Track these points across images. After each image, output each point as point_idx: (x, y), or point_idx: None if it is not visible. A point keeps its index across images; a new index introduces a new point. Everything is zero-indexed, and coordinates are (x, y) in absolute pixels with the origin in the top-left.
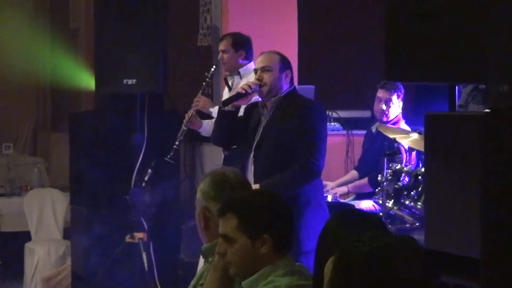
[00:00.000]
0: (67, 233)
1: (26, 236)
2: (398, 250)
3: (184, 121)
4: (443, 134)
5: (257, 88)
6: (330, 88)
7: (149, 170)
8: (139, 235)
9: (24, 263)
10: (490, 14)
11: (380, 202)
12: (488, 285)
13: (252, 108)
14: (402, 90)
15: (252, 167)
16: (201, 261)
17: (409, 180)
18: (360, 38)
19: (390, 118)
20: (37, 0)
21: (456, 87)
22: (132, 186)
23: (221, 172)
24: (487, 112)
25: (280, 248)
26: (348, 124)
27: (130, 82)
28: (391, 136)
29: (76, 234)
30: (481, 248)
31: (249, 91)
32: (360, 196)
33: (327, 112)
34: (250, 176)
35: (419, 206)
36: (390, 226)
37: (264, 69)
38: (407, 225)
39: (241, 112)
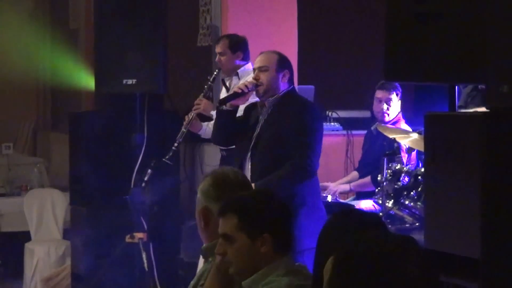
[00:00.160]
0: (67, 233)
1: (26, 236)
2: (397, 250)
3: (184, 123)
4: (443, 134)
5: (254, 88)
6: (330, 88)
7: (149, 170)
8: (139, 235)
9: (24, 263)
10: (490, 15)
11: (380, 202)
12: (488, 285)
13: (251, 108)
14: (400, 89)
15: (249, 167)
16: (201, 261)
17: (409, 180)
18: (360, 38)
19: (391, 118)
20: (37, 0)
21: (456, 87)
22: (131, 186)
23: (222, 172)
24: (487, 112)
25: (280, 248)
26: (348, 124)
27: (130, 82)
28: (391, 136)
29: (76, 234)
30: (480, 248)
31: (245, 90)
32: (360, 196)
33: (327, 112)
34: (247, 176)
35: (419, 206)
36: (390, 226)
37: (261, 69)
38: (407, 225)
39: (241, 112)
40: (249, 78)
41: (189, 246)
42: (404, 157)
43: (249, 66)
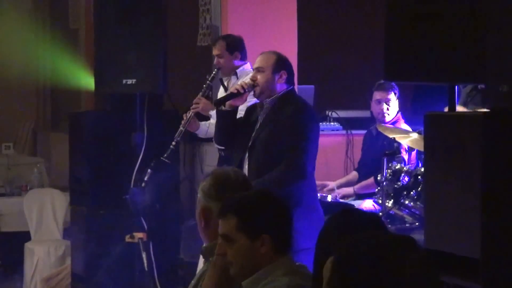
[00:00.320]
0: (67, 233)
1: (26, 236)
2: (397, 250)
3: (182, 122)
4: (442, 134)
5: (251, 88)
6: (330, 88)
7: (149, 170)
8: (139, 235)
9: (24, 263)
10: (490, 15)
11: (380, 202)
12: (488, 285)
13: (252, 109)
14: (397, 88)
15: (246, 167)
16: (201, 261)
17: (409, 180)
18: (360, 38)
19: (391, 117)
20: (37, 0)
21: (456, 87)
22: (131, 186)
23: (223, 171)
24: (486, 112)
25: (279, 248)
26: (348, 124)
27: (129, 82)
28: (391, 136)
29: (76, 234)
30: (481, 248)
31: (241, 91)
32: (360, 196)
33: (327, 112)
34: None
35: (418, 206)
36: (390, 226)
37: (258, 70)
38: (407, 225)
39: (242, 113)
40: (248, 78)
41: (189, 246)
42: (405, 156)
43: (247, 66)
